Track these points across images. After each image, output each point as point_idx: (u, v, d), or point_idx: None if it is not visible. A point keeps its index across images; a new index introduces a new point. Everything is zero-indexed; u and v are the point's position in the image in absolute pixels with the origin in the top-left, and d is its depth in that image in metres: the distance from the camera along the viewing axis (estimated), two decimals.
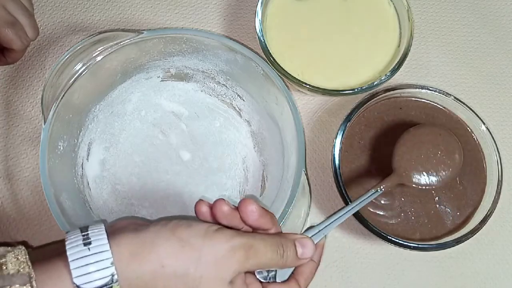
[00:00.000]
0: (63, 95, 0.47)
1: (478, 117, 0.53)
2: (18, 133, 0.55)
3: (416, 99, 0.54)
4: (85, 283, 0.31)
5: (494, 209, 0.50)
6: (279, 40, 0.55)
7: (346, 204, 0.49)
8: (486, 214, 0.50)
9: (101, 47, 0.48)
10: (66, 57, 0.47)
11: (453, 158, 0.47)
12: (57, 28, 0.59)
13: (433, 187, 0.47)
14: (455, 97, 0.53)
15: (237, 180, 0.54)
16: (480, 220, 0.49)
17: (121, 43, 0.48)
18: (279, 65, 0.52)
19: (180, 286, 0.34)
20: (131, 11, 0.60)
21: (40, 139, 0.46)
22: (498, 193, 0.50)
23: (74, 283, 0.31)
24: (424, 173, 0.46)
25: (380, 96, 0.53)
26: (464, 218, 0.51)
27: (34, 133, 0.55)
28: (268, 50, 0.52)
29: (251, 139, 0.55)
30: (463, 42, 0.61)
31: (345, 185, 0.50)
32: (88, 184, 0.52)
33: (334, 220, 0.42)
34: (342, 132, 0.51)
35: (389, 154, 0.52)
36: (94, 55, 0.48)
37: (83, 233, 0.34)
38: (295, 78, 0.52)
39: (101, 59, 0.48)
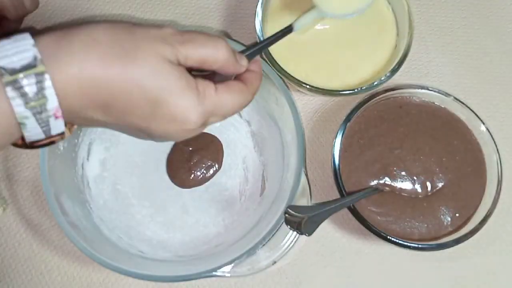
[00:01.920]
0: None
1: (478, 117, 0.53)
2: None
3: (416, 99, 0.54)
4: (7, 64, 0.29)
5: (494, 209, 0.50)
6: (279, 41, 0.55)
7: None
8: (486, 214, 0.50)
9: None
10: None
11: None
12: None
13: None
14: (455, 97, 0.53)
15: (237, 180, 0.54)
16: (480, 220, 0.49)
17: None
18: (279, 65, 0.52)
19: (119, 55, 0.31)
20: (131, 11, 0.60)
21: None
22: (498, 193, 0.50)
23: None
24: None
25: (380, 96, 0.53)
26: (464, 218, 0.51)
27: None
28: (268, 50, 0.52)
29: (251, 139, 0.55)
30: (463, 42, 0.61)
31: (345, 185, 0.50)
32: (88, 184, 0.52)
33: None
34: (342, 132, 0.52)
35: (389, 154, 0.52)
36: None
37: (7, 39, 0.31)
38: (295, 78, 0.52)
39: None
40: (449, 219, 0.51)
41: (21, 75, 0.29)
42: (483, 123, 0.53)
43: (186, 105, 0.33)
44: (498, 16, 0.62)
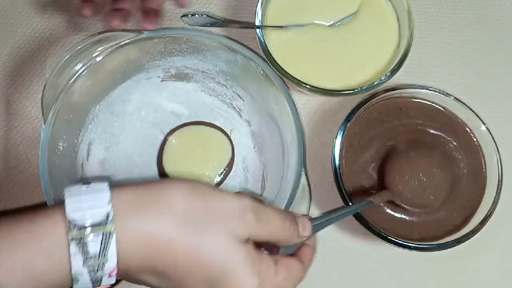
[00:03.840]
0: (63, 95, 0.47)
1: (478, 117, 0.53)
2: (18, 133, 0.55)
3: (416, 99, 0.54)
4: (78, 217, 0.29)
5: (494, 209, 0.50)
6: (279, 41, 0.55)
7: (346, 204, 0.49)
8: (486, 215, 0.50)
9: (101, 47, 0.48)
10: (66, 57, 0.47)
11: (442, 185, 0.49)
12: (57, 28, 0.59)
13: (420, 210, 0.49)
14: (455, 97, 0.53)
15: (237, 180, 0.54)
16: (480, 221, 0.49)
17: (121, 43, 0.48)
18: (279, 65, 0.52)
19: (189, 230, 0.31)
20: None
21: (40, 140, 0.46)
22: (498, 193, 0.50)
23: (66, 217, 0.29)
24: (415, 195, 0.48)
25: (380, 96, 0.53)
26: (464, 219, 0.51)
27: (34, 133, 0.55)
28: (268, 50, 0.52)
29: (251, 139, 0.55)
30: (463, 42, 0.61)
31: (345, 185, 0.50)
32: None
33: (328, 220, 0.42)
34: (342, 132, 0.51)
35: (389, 154, 0.52)
36: (94, 55, 0.48)
37: (85, 184, 0.32)
38: (295, 78, 0.52)
39: (101, 59, 0.48)
40: (449, 219, 0.51)
41: (88, 232, 0.29)
42: (483, 123, 0.53)
43: None
44: (498, 16, 0.62)
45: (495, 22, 0.62)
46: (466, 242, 0.49)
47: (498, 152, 0.52)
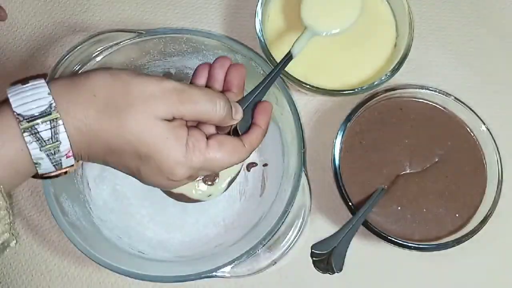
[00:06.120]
0: None
1: (478, 117, 0.53)
2: None
3: (416, 99, 0.54)
4: (25, 111, 0.32)
5: (494, 209, 0.50)
6: (279, 41, 0.55)
7: (346, 204, 0.49)
8: (486, 214, 0.50)
9: (101, 47, 0.48)
10: (66, 57, 0.47)
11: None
12: (57, 28, 0.59)
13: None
14: (455, 97, 0.53)
15: (237, 180, 0.54)
16: (480, 221, 0.49)
17: (121, 43, 0.48)
18: None
19: (112, 114, 0.34)
20: (131, 11, 0.60)
21: None
22: (498, 193, 0.50)
23: (15, 112, 0.32)
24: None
25: (380, 96, 0.53)
26: (464, 219, 0.51)
27: None
28: (268, 50, 0.52)
29: None
30: (463, 42, 0.61)
31: (345, 185, 0.50)
32: (88, 184, 0.52)
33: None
34: (342, 132, 0.51)
35: (389, 155, 0.52)
36: (94, 55, 0.48)
37: (24, 83, 0.34)
38: (295, 78, 0.52)
39: (101, 59, 0.48)
40: (449, 219, 0.51)
41: (38, 121, 0.32)
42: (483, 123, 0.53)
43: (172, 162, 0.36)
44: (498, 16, 0.62)
45: (495, 22, 0.62)
46: (466, 242, 0.49)
47: (498, 152, 0.52)
